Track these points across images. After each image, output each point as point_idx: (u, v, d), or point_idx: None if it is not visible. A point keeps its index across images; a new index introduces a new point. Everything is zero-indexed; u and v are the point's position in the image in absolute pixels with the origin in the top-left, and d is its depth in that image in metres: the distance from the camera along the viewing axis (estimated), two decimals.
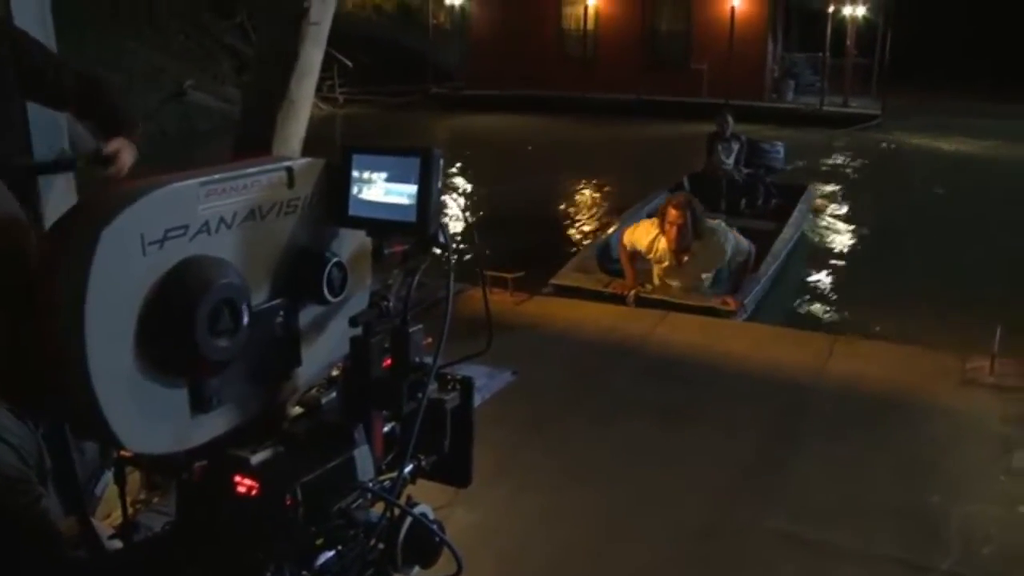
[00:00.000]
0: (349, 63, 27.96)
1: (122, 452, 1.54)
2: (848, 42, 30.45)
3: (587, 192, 17.02)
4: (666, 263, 7.22)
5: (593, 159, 20.46)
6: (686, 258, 7.17)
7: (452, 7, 35.00)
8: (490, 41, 31.67)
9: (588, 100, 28.63)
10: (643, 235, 7.23)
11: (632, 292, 7.22)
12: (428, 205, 1.47)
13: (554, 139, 23.54)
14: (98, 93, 3.25)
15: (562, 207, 15.59)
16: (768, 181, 11.94)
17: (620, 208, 11.93)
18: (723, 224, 7.55)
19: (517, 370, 5.64)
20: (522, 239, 11.39)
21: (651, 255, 7.22)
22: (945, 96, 32.98)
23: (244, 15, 28.28)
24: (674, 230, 6.98)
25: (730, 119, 11.88)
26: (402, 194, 1.48)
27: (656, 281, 7.34)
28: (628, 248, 7.32)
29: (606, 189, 17.07)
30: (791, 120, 25.89)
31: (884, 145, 23.49)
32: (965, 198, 16.45)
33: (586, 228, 13.68)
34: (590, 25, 31.29)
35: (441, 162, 1.51)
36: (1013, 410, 5.24)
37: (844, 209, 15.40)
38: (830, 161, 20.85)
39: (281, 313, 1.46)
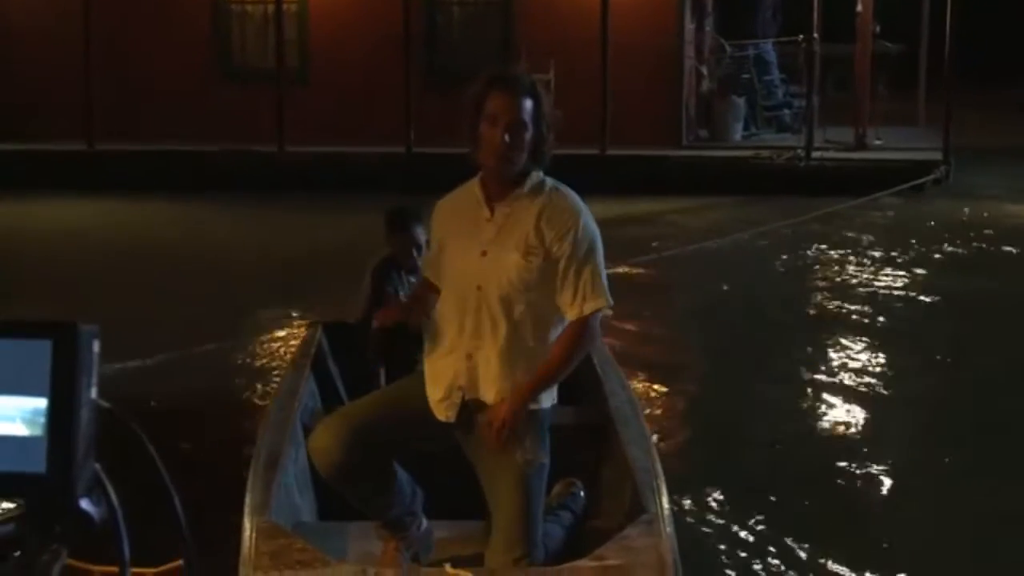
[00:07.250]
0: None
1: None
2: (859, 7, 15.37)
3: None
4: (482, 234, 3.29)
5: (305, 290, 8.87)
6: (506, 210, 3.28)
7: None
8: (36, 34, 14.79)
9: (287, 161, 13.88)
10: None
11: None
12: (71, 439, 0.84)
13: (215, 253, 10.87)
14: None
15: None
16: None
17: None
18: None
19: None
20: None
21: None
22: None
23: None
24: (499, 134, 3.15)
25: (419, 232, 4.37)
26: (12, 417, 0.85)
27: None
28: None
29: None
30: (737, 183, 13.46)
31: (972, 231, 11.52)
32: None
33: None
34: None
35: (97, 346, 0.89)
36: None
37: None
38: (828, 298, 9.00)
39: None
